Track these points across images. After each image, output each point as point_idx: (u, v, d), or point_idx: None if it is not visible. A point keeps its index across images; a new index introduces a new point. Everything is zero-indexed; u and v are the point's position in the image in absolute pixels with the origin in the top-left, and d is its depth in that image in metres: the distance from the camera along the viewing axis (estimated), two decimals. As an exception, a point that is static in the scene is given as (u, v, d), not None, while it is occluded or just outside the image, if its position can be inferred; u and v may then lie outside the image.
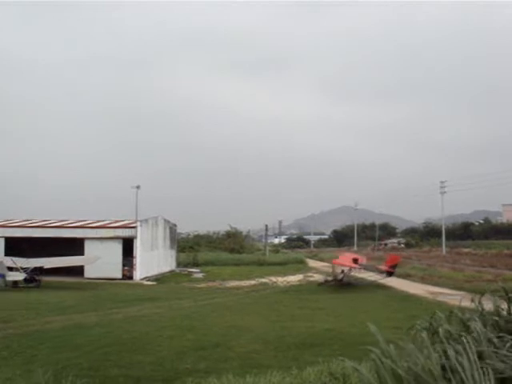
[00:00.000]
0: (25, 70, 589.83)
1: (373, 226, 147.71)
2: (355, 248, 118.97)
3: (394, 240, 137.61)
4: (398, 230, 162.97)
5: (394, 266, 42.25)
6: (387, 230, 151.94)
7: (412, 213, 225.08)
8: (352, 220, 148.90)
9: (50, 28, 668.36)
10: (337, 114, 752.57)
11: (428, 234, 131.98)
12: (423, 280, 43.35)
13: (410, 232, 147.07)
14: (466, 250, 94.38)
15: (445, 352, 5.95)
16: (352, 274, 42.67)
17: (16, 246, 45.58)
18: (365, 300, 32.01)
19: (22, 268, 38.11)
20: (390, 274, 41.60)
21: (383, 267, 43.32)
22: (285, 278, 44.05)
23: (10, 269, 37.90)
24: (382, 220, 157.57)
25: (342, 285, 39.85)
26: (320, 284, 40.70)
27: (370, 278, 42.17)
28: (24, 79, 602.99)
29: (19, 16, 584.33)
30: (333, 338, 18.25)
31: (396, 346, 6.32)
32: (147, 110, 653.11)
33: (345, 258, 49.38)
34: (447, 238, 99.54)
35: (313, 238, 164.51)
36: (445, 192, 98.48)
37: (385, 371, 5.70)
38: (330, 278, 41.31)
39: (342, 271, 41.61)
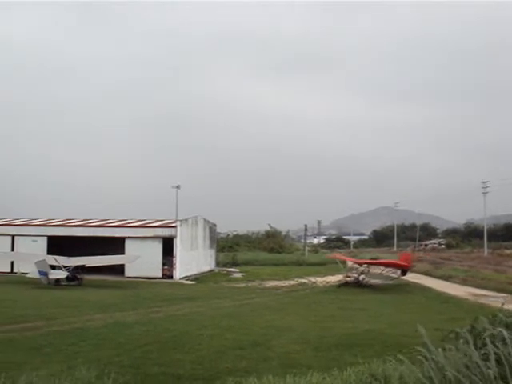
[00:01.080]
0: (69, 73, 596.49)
1: (413, 226, 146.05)
2: (395, 249, 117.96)
3: (435, 241, 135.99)
4: (438, 231, 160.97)
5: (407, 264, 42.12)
6: (427, 231, 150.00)
7: (453, 213, 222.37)
8: (392, 220, 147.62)
9: (91, 30, 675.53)
10: (376, 114, 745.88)
11: (469, 234, 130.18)
12: (465, 282, 42.73)
13: (451, 233, 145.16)
14: (509, 251, 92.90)
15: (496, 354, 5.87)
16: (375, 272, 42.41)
17: (58, 245, 46.18)
18: (405, 301, 31.73)
19: (64, 266, 38.56)
20: (404, 272, 41.38)
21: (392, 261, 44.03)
22: (324, 279, 43.93)
23: (53, 267, 38.38)
24: (422, 220, 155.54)
25: (361, 286, 39.36)
26: (340, 285, 40.07)
27: (388, 276, 41.76)
28: (69, 81, 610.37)
29: (60, 18, 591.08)
30: (373, 339, 18.14)
31: (443, 348, 6.26)
32: (187, 112, 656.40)
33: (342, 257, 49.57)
34: (489, 239, 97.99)
35: (352, 239, 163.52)
36: (487, 192, 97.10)
37: (434, 373, 5.63)
38: (349, 279, 40.64)
39: (362, 272, 41.10)
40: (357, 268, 42.45)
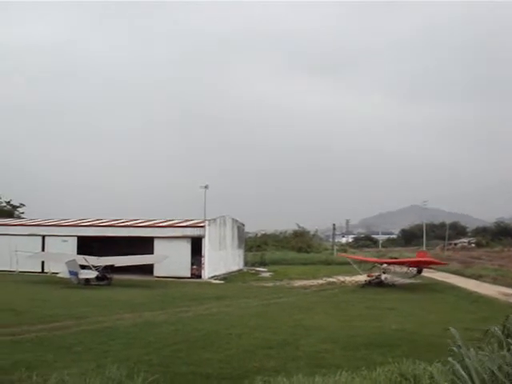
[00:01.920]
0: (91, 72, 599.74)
1: (442, 225, 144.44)
2: (424, 248, 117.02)
3: (464, 239, 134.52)
4: (468, 230, 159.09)
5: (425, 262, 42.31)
6: (457, 230, 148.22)
7: (483, 212, 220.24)
8: (421, 219, 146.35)
9: (116, 29, 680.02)
10: (405, 113, 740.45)
11: (500, 233, 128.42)
12: (495, 281, 42.30)
13: (481, 231, 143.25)
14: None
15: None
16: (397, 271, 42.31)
17: (88, 245, 46.63)
18: (435, 301, 31.49)
19: (94, 266, 38.87)
20: (420, 271, 41.51)
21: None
22: (353, 278, 43.68)
23: (83, 267, 38.68)
24: (451, 219, 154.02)
25: (384, 286, 39.00)
26: (364, 285, 39.73)
27: (408, 275, 41.51)
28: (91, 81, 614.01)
29: (87, 18, 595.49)
30: (402, 339, 18.04)
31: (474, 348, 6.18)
32: (216, 111, 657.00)
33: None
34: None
35: (381, 238, 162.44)
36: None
37: (465, 374, 5.56)
38: (371, 279, 40.16)
39: (384, 271, 40.76)
40: (379, 267, 42.16)
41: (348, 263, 46.70)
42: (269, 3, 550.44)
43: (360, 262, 47.34)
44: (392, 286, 38.84)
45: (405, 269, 42.25)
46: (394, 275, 41.30)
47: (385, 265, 42.17)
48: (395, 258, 53.21)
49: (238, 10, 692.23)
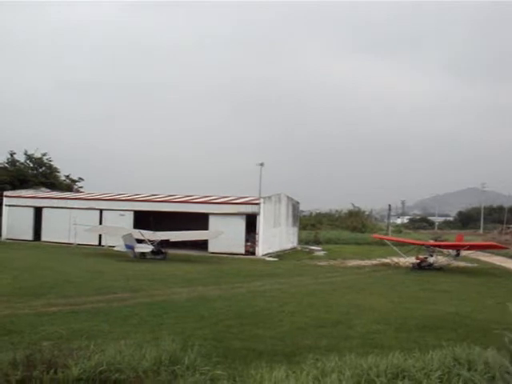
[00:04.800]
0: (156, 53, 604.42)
1: (500, 208, 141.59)
2: (481, 231, 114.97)
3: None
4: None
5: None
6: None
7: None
8: (478, 202, 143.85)
9: (173, 10, 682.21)
10: (467, 93, 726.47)
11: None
12: (556, 266, 41.39)
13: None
14: None
15: None
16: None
17: (144, 219, 47.33)
18: (491, 285, 30.84)
19: (150, 240, 39.46)
20: (458, 253, 40.71)
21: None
22: (407, 259, 43.24)
23: (139, 241, 39.33)
24: (510, 203, 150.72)
25: (433, 268, 38.32)
26: (413, 268, 39.04)
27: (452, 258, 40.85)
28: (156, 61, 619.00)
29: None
30: (457, 323, 17.79)
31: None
32: (275, 91, 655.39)
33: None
34: None
35: (437, 220, 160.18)
36: None
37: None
38: (420, 261, 39.38)
39: (431, 254, 40.01)
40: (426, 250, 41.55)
41: (401, 245, 45.98)
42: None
43: (401, 244, 46.63)
44: (440, 270, 38.22)
45: (450, 251, 41.74)
46: (441, 258, 40.69)
47: (431, 247, 41.64)
48: (442, 241, 52.28)
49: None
